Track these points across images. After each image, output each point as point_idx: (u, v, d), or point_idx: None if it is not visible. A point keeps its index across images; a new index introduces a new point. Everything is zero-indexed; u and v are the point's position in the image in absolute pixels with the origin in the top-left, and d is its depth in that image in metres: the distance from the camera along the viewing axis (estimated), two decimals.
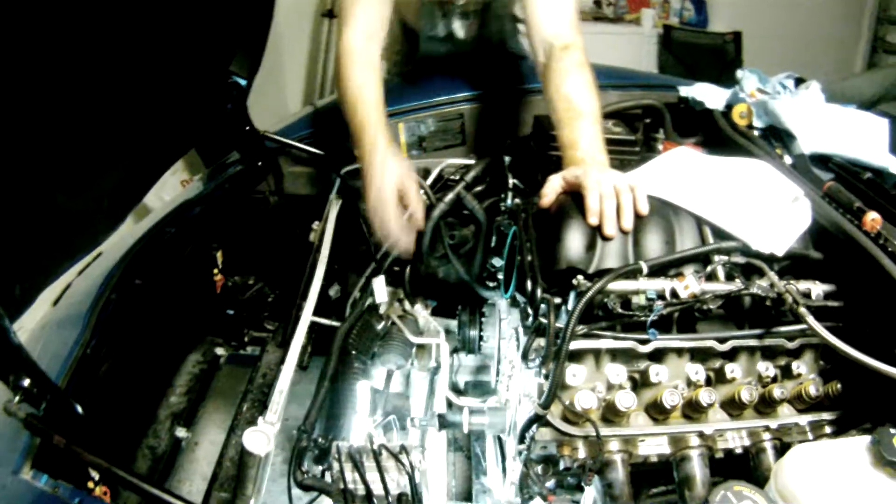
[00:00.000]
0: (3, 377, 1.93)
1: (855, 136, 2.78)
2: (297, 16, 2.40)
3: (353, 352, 2.76)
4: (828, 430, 2.19)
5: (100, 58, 2.17)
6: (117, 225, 2.63)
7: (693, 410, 2.11)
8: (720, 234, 2.30)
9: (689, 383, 2.14)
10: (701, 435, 2.11)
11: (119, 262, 2.72)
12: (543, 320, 2.10)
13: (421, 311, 2.99)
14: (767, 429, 2.15)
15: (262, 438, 2.10)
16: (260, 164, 3.21)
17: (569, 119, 2.49)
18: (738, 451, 2.16)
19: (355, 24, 2.80)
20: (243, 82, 2.99)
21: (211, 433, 2.70)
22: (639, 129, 3.08)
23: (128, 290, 2.63)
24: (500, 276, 2.57)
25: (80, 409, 2.09)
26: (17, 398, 1.94)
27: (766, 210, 2.32)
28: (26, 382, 1.94)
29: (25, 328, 2.61)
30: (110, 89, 2.30)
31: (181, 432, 2.64)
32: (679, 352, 2.15)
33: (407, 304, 2.99)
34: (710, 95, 3.25)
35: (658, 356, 2.14)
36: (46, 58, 1.96)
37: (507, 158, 2.92)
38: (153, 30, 2.34)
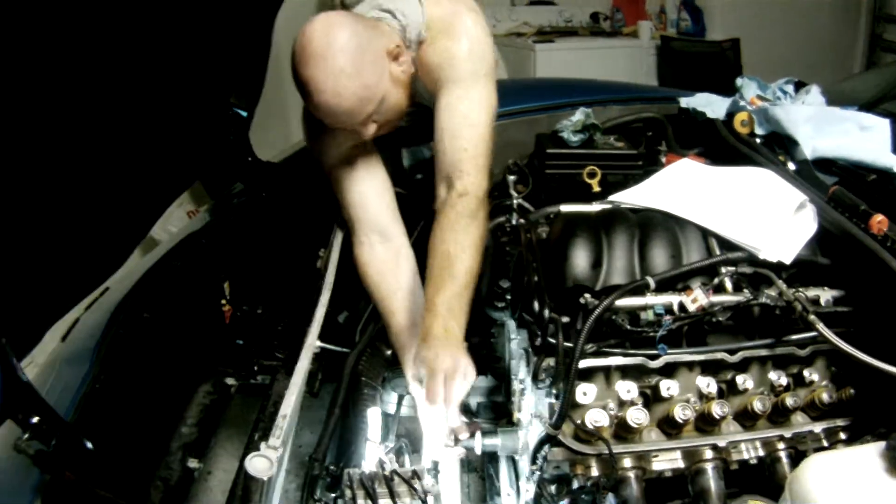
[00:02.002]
0: (13, 415, 1.93)
1: (857, 137, 2.78)
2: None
3: (364, 378, 2.76)
4: (842, 436, 2.18)
5: (102, 90, 2.18)
6: (124, 259, 2.63)
7: (706, 423, 2.10)
8: (726, 245, 2.30)
9: (701, 396, 2.14)
10: (715, 448, 2.10)
11: (127, 295, 2.72)
12: (552, 340, 2.09)
13: None
14: (782, 438, 2.15)
15: (264, 462, 2.09)
16: (264, 194, 3.21)
17: (440, 280, 2.35)
18: (753, 461, 2.15)
19: (360, 232, 2.82)
20: (244, 113, 2.99)
21: (224, 463, 2.69)
22: (641, 143, 3.07)
23: (136, 323, 2.62)
24: (508, 296, 2.57)
25: (89, 444, 2.08)
26: (26, 435, 1.94)
27: (772, 218, 2.32)
28: (35, 419, 1.94)
29: (35, 363, 2.61)
30: (114, 123, 2.31)
31: (193, 463, 2.63)
32: (690, 365, 2.14)
33: None
34: (710, 105, 3.25)
35: (669, 371, 2.14)
36: (53, 92, 1.97)
37: (511, 178, 2.91)
38: (152, 64, 2.35)
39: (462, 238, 2.41)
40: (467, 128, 2.52)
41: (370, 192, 2.77)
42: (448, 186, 2.52)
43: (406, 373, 2.65)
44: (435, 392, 2.19)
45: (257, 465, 2.09)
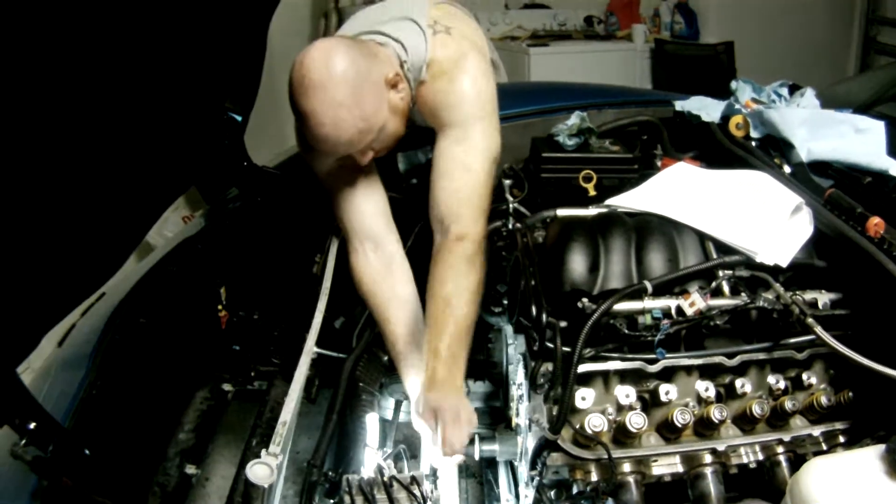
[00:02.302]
0: (10, 420, 1.93)
1: (853, 140, 2.78)
2: (293, 49, 2.39)
3: (361, 383, 2.75)
4: (841, 439, 2.19)
5: (97, 95, 2.17)
6: (120, 264, 2.62)
7: (705, 427, 2.10)
8: (723, 249, 2.31)
9: (700, 400, 2.15)
10: (714, 452, 2.10)
11: (123, 301, 2.71)
12: (550, 345, 2.09)
13: None
14: (781, 442, 2.15)
15: (265, 470, 2.09)
16: (259, 199, 3.21)
17: (441, 324, 2.35)
18: (753, 465, 2.16)
19: (355, 240, 2.81)
20: (239, 118, 2.99)
21: (221, 469, 2.69)
22: (637, 147, 3.07)
23: (132, 329, 2.62)
24: (505, 301, 2.57)
25: (86, 450, 2.08)
26: (23, 441, 1.94)
27: (769, 221, 2.32)
28: (32, 425, 1.94)
29: (31, 368, 2.61)
30: (109, 128, 2.30)
31: (191, 469, 2.62)
32: (688, 369, 2.15)
33: None
34: (705, 108, 3.24)
35: (667, 375, 2.14)
36: (48, 97, 1.96)
37: (507, 182, 2.91)
38: (147, 69, 2.34)
39: (461, 282, 2.41)
40: (463, 172, 2.53)
41: (363, 200, 2.77)
42: (444, 231, 2.52)
43: (404, 381, 2.66)
44: (456, 440, 2.22)
45: (258, 472, 2.09)
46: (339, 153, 2.46)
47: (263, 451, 2.12)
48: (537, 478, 2.11)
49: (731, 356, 2.16)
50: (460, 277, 2.41)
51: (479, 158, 2.54)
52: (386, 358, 2.88)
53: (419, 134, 2.80)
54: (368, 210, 2.78)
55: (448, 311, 2.36)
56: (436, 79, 2.55)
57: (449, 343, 2.32)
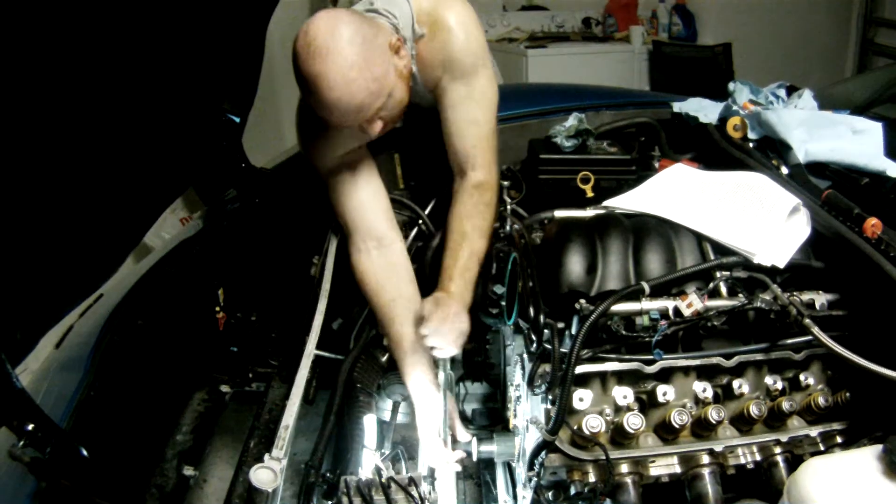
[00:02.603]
0: (7, 422, 1.93)
1: (850, 141, 2.78)
2: (291, 49, 2.38)
3: (359, 385, 2.75)
4: (839, 440, 2.19)
5: (95, 97, 2.17)
6: (118, 266, 2.62)
7: (702, 428, 2.10)
8: (721, 250, 2.31)
9: (698, 401, 2.14)
10: (711, 452, 2.10)
11: (120, 302, 2.71)
12: (548, 346, 2.10)
13: None
14: (778, 442, 2.15)
15: (269, 474, 2.09)
16: (257, 200, 3.20)
17: (457, 252, 2.60)
18: (750, 466, 2.15)
19: (358, 238, 2.82)
20: (237, 119, 2.98)
21: (219, 470, 2.68)
22: (634, 148, 3.07)
23: (130, 330, 2.62)
24: (503, 302, 2.57)
25: (84, 451, 2.07)
26: (21, 443, 1.94)
27: (766, 222, 2.32)
28: (30, 427, 1.94)
29: (29, 370, 2.61)
30: (107, 130, 2.30)
31: (188, 470, 2.62)
32: (686, 370, 2.15)
33: None
34: (703, 110, 3.25)
35: (665, 376, 2.14)
36: (46, 99, 1.96)
37: (505, 184, 2.91)
38: (145, 70, 2.34)
39: (479, 223, 2.66)
40: (473, 125, 2.71)
41: (367, 198, 2.77)
42: (462, 176, 2.75)
43: (406, 380, 2.66)
44: (437, 318, 2.34)
45: (261, 476, 2.09)
46: (349, 121, 2.41)
47: (266, 456, 2.12)
48: (535, 479, 2.11)
49: (728, 357, 2.15)
50: (478, 219, 2.67)
51: (486, 110, 2.72)
52: (384, 359, 2.88)
53: (417, 129, 2.85)
54: (372, 208, 2.79)
55: (465, 244, 2.61)
56: (434, 34, 2.60)
57: (462, 266, 2.56)
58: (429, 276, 2.87)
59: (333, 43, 2.24)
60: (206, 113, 2.89)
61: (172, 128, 2.71)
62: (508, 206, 2.83)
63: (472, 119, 2.69)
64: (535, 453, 2.08)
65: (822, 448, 2.18)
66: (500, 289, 2.55)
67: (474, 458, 2.45)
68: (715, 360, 2.15)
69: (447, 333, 2.37)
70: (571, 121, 2.99)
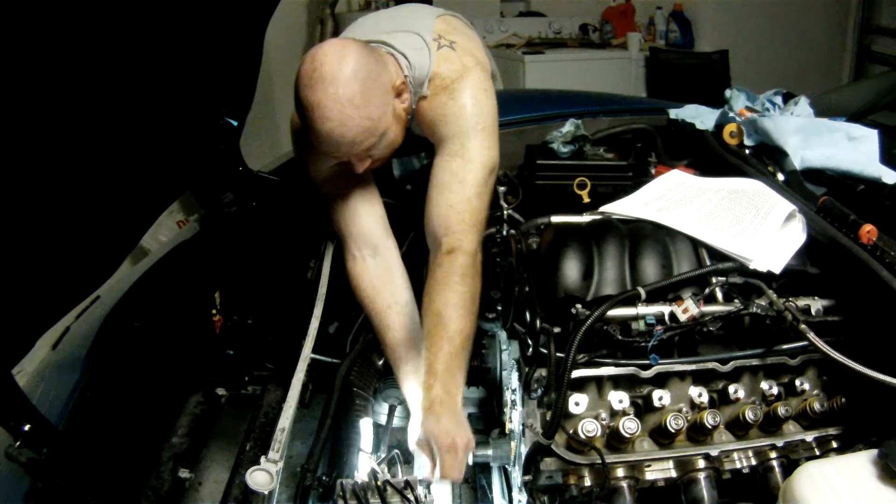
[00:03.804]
0: (4, 423, 1.93)
1: (846, 148, 2.79)
2: (289, 54, 2.36)
3: (355, 388, 2.75)
4: (834, 445, 2.19)
5: (92, 99, 2.18)
6: (115, 268, 2.62)
7: (698, 433, 2.11)
8: (717, 256, 2.31)
9: (693, 406, 2.15)
10: (707, 457, 2.11)
11: (117, 305, 2.71)
12: (543, 350, 2.10)
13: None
14: (774, 447, 2.16)
15: (265, 477, 2.09)
16: (254, 203, 3.20)
17: (436, 340, 2.30)
18: (746, 471, 2.16)
19: (353, 246, 2.81)
20: (235, 122, 2.98)
21: (214, 473, 2.68)
22: (631, 154, 3.07)
23: (126, 333, 2.62)
24: (499, 307, 2.57)
25: (81, 453, 2.08)
26: (18, 443, 1.94)
27: (762, 229, 2.32)
28: (27, 427, 1.94)
29: (26, 371, 2.61)
30: (104, 132, 2.30)
31: (184, 473, 2.62)
32: (681, 375, 2.15)
33: None
34: (699, 116, 3.26)
35: (660, 380, 2.15)
36: (43, 101, 1.97)
37: (501, 189, 2.92)
38: (143, 73, 2.34)
39: (452, 298, 2.37)
40: (457, 184, 2.53)
41: (361, 205, 2.77)
42: (437, 245, 2.51)
43: (402, 386, 2.67)
44: (451, 468, 2.14)
45: (258, 479, 2.09)
46: (339, 154, 2.41)
47: (263, 458, 2.12)
48: (531, 483, 2.12)
49: (724, 362, 2.16)
50: (451, 293, 2.37)
51: (473, 171, 2.54)
52: (380, 363, 2.88)
53: (414, 141, 2.81)
54: (367, 216, 2.79)
55: (441, 327, 2.32)
56: (437, 94, 2.57)
57: (444, 360, 2.27)
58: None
59: (337, 74, 2.24)
60: (204, 116, 2.89)
61: (170, 131, 2.71)
62: (505, 212, 2.83)
63: (457, 176, 2.54)
64: (531, 457, 2.09)
65: (817, 453, 2.18)
66: (496, 294, 2.55)
67: (470, 463, 2.45)
68: (711, 365, 2.16)
69: (455, 466, 2.14)
70: (568, 127, 2.99)
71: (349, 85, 2.25)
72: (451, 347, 2.29)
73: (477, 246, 2.51)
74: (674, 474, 2.13)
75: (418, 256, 2.99)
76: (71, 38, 1.97)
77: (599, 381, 2.13)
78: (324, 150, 2.40)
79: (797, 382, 2.21)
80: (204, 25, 2.56)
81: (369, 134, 2.35)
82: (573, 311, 2.13)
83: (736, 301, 2.18)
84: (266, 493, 2.15)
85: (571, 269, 2.27)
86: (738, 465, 2.15)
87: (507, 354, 2.50)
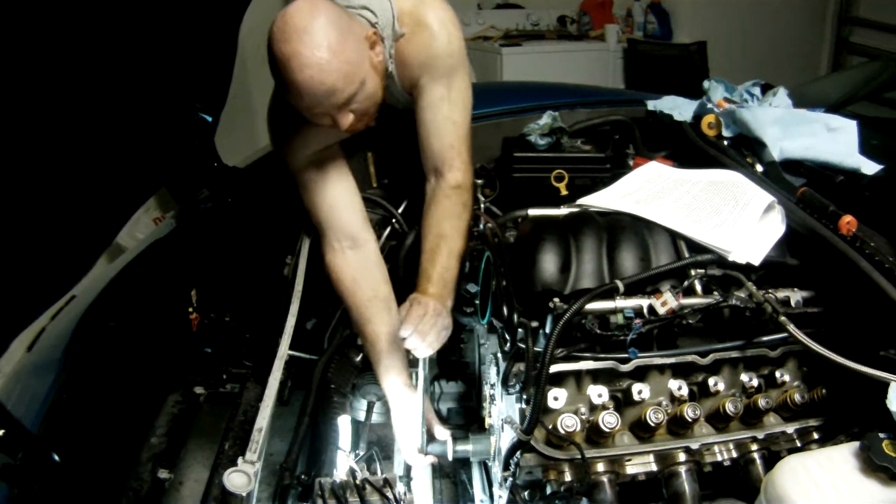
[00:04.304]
0: None
1: (825, 139, 2.78)
2: (265, 47, 2.34)
3: (333, 385, 2.74)
4: (815, 436, 2.19)
5: (66, 95, 2.16)
6: (90, 266, 2.60)
7: (678, 426, 2.10)
8: (695, 248, 2.30)
9: (673, 399, 2.14)
10: (688, 450, 2.10)
11: (93, 304, 2.69)
12: (522, 345, 2.09)
13: None
14: (755, 439, 2.16)
15: (242, 478, 2.07)
16: (230, 200, 3.18)
17: (435, 255, 2.56)
18: (727, 463, 2.16)
19: (332, 237, 2.81)
20: (209, 118, 2.96)
21: (195, 472, 2.67)
22: (609, 146, 3.06)
23: (102, 333, 2.60)
24: (477, 301, 2.56)
25: (56, 457, 2.05)
26: None
27: (741, 220, 2.32)
28: (1, 432, 1.92)
29: (1, 373, 2.59)
30: (78, 128, 2.28)
31: (163, 473, 2.60)
32: (661, 368, 2.14)
33: None
34: (677, 108, 3.25)
35: (640, 374, 2.14)
36: (14, 96, 1.95)
37: (478, 182, 2.90)
38: (117, 69, 2.32)
39: (457, 224, 2.63)
40: (451, 125, 2.68)
41: (340, 196, 2.76)
42: (438, 177, 2.71)
43: (381, 380, 2.65)
44: (415, 316, 2.29)
45: (235, 480, 2.07)
46: (320, 107, 2.36)
47: (240, 459, 2.11)
48: (511, 478, 2.10)
49: (703, 355, 2.15)
50: (456, 220, 2.64)
51: (463, 111, 2.71)
52: (358, 359, 2.87)
53: (390, 130, 2.83)
54: (346, 207, 2.78)
55: (444, 245, 2.57)
56: (414, 34, 2.60)
57: (440, 269, 2.52)
58: (402, 276, 2.86)
59: (309, 24, 2.22)
60: (178, 111, 2.87)
61: (144, 126, 2.69)
62: (482, 205, 2.82)
63: (451, 119, 2.68)
64: (511, 453, 2.08)
65: (798, 444, 2.18)
66: (473, 288, 2.54)
67: (450, 458, 2.44)
68: (690, 357, 2.15)
69: (426, 333, 2.32)
70: (545, 119, 2.98)
71: (323, 31, 2.23)
72: (448, 262, 2.55)
73: (473, 179, 2.76)
74: (654, 468, 2.13)
75: (395, 251, 2.98)
76: (41, 33, 1.94)
77: (578, 376, 2.12)
78: (305, 104, 2.35)
79: (777, 374, 2.21)
80: (177, 18, 2.54)
81: (349, 80, 2.32)
82: (551, 305, 2.12)
83: (715, 293, 2.17)
84: (244, 494, 2.14)
85: (549, 263, 2.26)
86: (720, 458, 2.16)
87: (485, 349, 2.49)
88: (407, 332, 2.27)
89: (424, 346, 2.31)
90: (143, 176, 2.91)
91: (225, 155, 3.15)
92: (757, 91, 3.26)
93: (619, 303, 2.12)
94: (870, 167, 2.67)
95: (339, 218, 2.76)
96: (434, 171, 2.73)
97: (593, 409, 2.11)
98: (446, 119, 2.68)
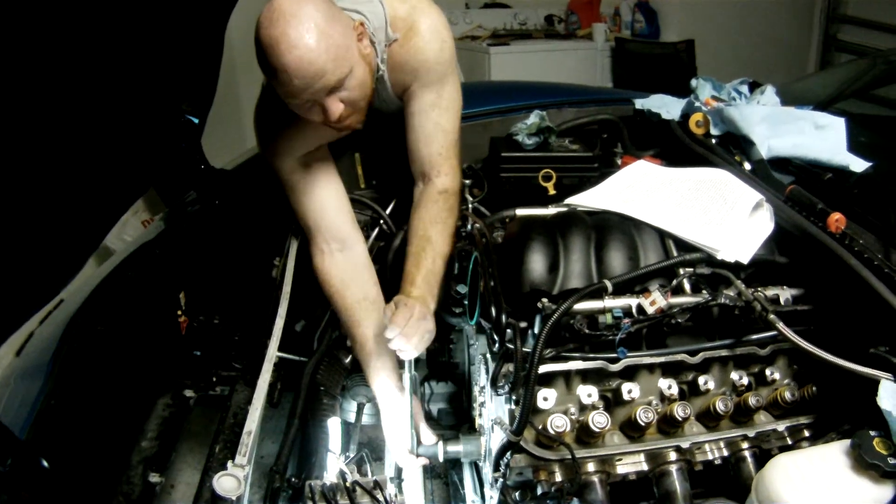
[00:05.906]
0: None
1: (813, 136, 2.79)
2: (253, 48, 2.33)
3: (322, 387, 2.74)
4: (806, 433, 2.20)
5: (52, 96, 2.15)
6: (78, 269, 2.59)
7: (669, 425, 2.10)
8: (684, 247, 2.30)
9: (663, 398, 2.14)
10: (678, 449, 2.10)
11: (81, 307, 2.68)
12: (510, 346, 2.08)
13: None
14: (745, 438, 2.16)
15: (232, 482, 2.07)
16: (217, 202, 3.18)
17: (420, 259, 2.56)
18: (718, 462, 2.15)
19: (321, 240, 2.80)
20: (196, 120, 2.96)
21: (186, 476, 2.66)
22: (596, 145, 3.06)
23: (91, 336, 2.59)
24: (465, 302, 2.56)
25: (45, 463, 2.04)
26: None
27: (729, 218, 2.32)
28: None
29: None
30: (65, 131, 2.27)
31: (154, 477, 2.60)
32: (650, 368, 2.14)
33: None
34: (665, 106, 3.25)
35: (629, 373, 2.13)
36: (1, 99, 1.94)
37: (466, 182, 2.90)
38: (103, 71, 2.32)
39: (442, 228, 2.63)
40: (441, 132, 2.72)
41: (328, 198, 2.76)
42: (426, 182, 2.75)
43: (371, 383, 2.65)
44: (400, 317, 2.27)
45: (225, 484, 2.07)
46: (308, 90, 2.31)
47: (230, 463, 2.10)
48: (501, 479, 2.10)
49: (693, 353, 2.15)
50: (441, 223, 2.65)
51: (452, 117, 2.74)
52: (347, 360, 2.87)
53: (377, 132, 2.84)
54: (334, 209, 2.77)
55: (429, 248, 2.57)
56: (407, 38, 2.60)
57: (425, 273, 2.51)
58: (390, 277, 2.86)
59: (297, 9, 2.20)
60: (165, 114, 2.87)
61: (131, 128, 2.68)
62: (470, 205, 2.83)
63: (440, 126, 2.70)
64: (501, 454, 2.07)
65: (789, 442, 2.18)
66: (462, 288, 2.54)
67: (441, 459, 2.44)
68: (680, 356, 2.14)
69: (411, 335, 2.31)
70: (533, 118, 2.98)
71: (311, 15, 2.22)
72: (434, 267, 2.55)
73: (461, 184, 2.81)
74: (645, 467, 2.12)
75: (383, 252, 2.98)
76: (27, 35, 1.94)
77: (567, 376, 2.12)
78: (293, 88, 2.30)
79: (767, 372, 2.21)
80: (163, 20, 2.53)
81: (338, 63, 2.29)
82: (539, 305, 2.12)
83: (704, 292, 2.17)
84: (234, 498, 2.13)
85: (537, 263, 2.25)
86: (710, 457, 2.15)
87: (474, 349, 2.49)
88: (393, 334, 2.27)
89: (410, 347, 2.30)
90: (130, 178, 2.90)
91: (212, 157, 3.14)
92: (745, 89, 3.27)
93: (608, 302, 2.12)
94: (858, 164, 2.66)
95: (328, 220, 2.75)
96: (422, 176, 2.76)
97: (583, 409, 2.10)
98: (436, 125, 2.70)
